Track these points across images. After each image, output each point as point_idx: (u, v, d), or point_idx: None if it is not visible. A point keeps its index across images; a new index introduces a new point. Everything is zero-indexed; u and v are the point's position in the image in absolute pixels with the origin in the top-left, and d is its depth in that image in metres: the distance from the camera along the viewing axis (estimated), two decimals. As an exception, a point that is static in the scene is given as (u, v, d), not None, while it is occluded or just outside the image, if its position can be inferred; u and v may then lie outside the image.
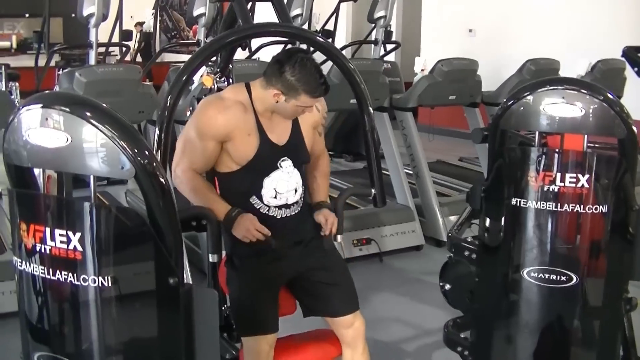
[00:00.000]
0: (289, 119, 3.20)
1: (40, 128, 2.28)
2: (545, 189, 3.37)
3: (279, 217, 3.17)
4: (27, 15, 15.46)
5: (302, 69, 3.03)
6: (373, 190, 3.57)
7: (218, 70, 3.62)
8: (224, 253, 3.25)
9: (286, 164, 3.17)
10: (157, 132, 3.12)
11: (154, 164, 2.29)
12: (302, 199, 3.27)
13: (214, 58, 3.61)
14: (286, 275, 3.24)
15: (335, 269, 3.36)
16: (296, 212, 3.23)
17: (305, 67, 3.04)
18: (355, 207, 6.71)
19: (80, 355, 2.37)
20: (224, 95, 3.21)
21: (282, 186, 3.15)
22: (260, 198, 3.14)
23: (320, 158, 3.48)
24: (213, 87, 3.60)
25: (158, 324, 2.39)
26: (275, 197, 3.15)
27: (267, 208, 3.15)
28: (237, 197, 3.13)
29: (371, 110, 3.54)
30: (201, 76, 3.64)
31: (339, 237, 3.33)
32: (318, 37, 3.51)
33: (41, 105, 2.30)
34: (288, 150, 3.20)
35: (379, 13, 9.24)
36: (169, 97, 3.09)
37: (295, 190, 3.20)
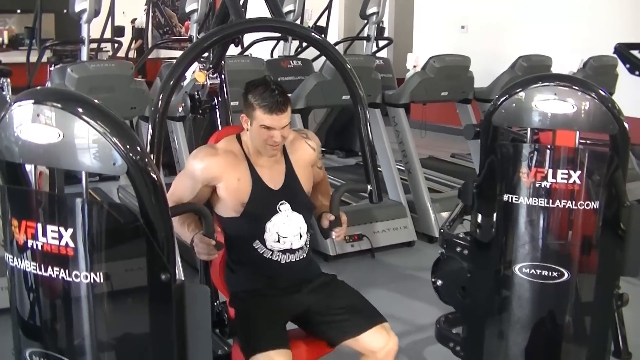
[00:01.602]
0: (269, 154, 3.19)
1: (31, 124, 2.27)
2: (537, 185, 3.38)
3: (282, 262, 3.17)
4: (18, 10, 15.36)
5: (261, 88, 3.06)
6: (369, 186, 3.54)
7: (211, 66, 3.61)
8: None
9: (284, 208, 3.18)
10: (149, 130, 3.11)
11: (146, 160, 2.29)
12: (307, 246, 3.26)
13: (206, 54, 3.60)
14: (294, 310, 3.17)
15: (346, 291, 3.31)
16: (301, 258, 3.22)
17: (264, 85, 3.07)
18: (347, 203, 6.71)
19: (72, 351, 2.37)
20: (217, 145, 3.26)
21: (284, 230, 3.15)
22: (263, 242, 3.14)
23: (320, 183, 3.51)
24: (206, 82, 3.59)
25: (150, 320, 2.38)
26: (279, 241, 3.14)
27: (271, 252, 3.15)
28: (240, 242, 3.15)
29: (366, 106, 3.53)
30: (193, 72, 3.62)
31: (333, 234, 3.26)
32: (312, 33, 3.50)
33: (33, 101, 2.30)
34: (284, 193, 3.21)
35: (371, 9, 9.25)
36: (162, 94, 3.09)
37: (300, 236, 3.20)
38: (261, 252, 3.14)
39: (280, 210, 3.16)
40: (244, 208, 3.12)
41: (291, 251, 3.17)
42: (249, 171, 3.18)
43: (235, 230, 3.01)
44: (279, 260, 3.15)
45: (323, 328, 3.16)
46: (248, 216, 3.12)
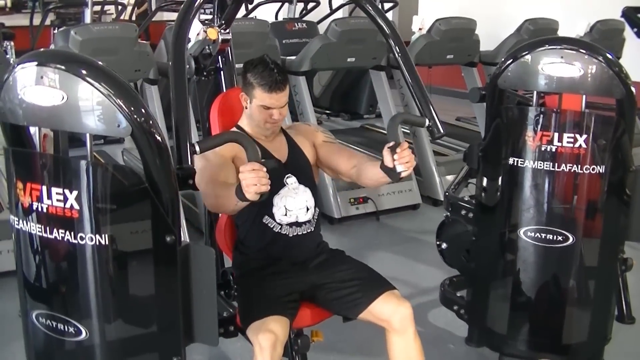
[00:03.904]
0: (267, 133, 3.19)
1: (35, 86, 2.27)
2: (543, 148, 3.37)
3: (290, 235, 3.16)
4: (22, -27, 15.29)
5: (260, 67, 3.06)
6: (427, 120, 3.27)
7: (222, 22, 3.57)
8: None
9: (291, 181, 3.17)
10: (172, 88, 2.94)
11: (151, 122, 2.29)
12: (315, 220, 3.24)
13: (210, 16, 3.57)
14: (300, 285, 3.14)
15: (353, 264, 3.26)
16: (308, 231, 3.20)
17: (263, 64, 3.06)
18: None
19: (78, 313, 2.38)
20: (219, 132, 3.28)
21: (291, 203, 3.14)
22: (272, 217, 3.13)
23: (342, 154, 3.32)
24: (217, 38, 3.55)
25: (155, 282, 2.40)
26: (286, 215, 3.14)
27: (280, 226, 3.14)
28: (251, 219, 3.13)
29: (405, 49, 3.42)
30: (197, 34, 3.58)
31: (398, 166, 2.85)
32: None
33: (36, 63, 2.29)
34: (290, 166, 3.20)
35: (377, -29, 9.18)
36: (176, 52, 2.94)
37: (307, 209, 3.19)
38: (271, 226, 3.13)
39: (287, 184, 3.16)
40: None
41: (297, 224, 3.16)
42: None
43: (245, 208, 2.97)
44: (287, 233, 3.15)
45: (335, 304, 3.14)
46: None
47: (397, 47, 3.39)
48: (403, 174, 2.87)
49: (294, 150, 3.26)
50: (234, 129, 3.25)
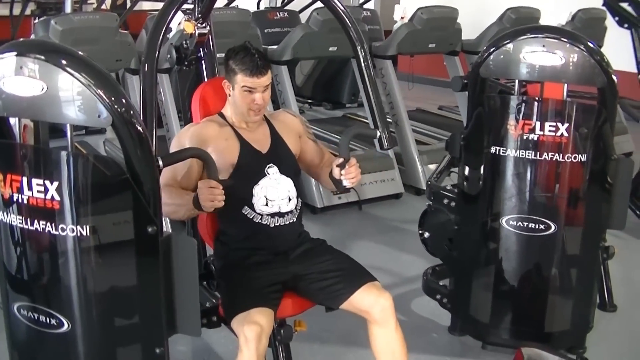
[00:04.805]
0: (251, 120, 3.19)
1: (15, 76, 2.25)
2: (525, 137, 3.38)
3: (272, 225, 3.14)
4: (0, -38, 15.14)
5: (242, 53, 3.08)
6: (378, 132, 3.47)
7: (199, 15, 3.56)
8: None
9: (273, 171, 3.16)
10: (141, 83, 3.07)
11: (132, 112, 2.27)
12: (298, 211, 3.23)
13: (192, 5, 3.55)
14: (281, 275, 3.12)
15: (334, 255, 3.25)
16: (291, 221, 3.19)
17: (244, 50, 3.09)
18: (335, 155, 6.67)
19: (59, 305, 2.37)
20: (200, 120, 3.30)
21: (272, 193, 3.13)
22: (252, 207, 3.12)
23: (323, 156, 3.44)
24: (194, 32, 3.54)
25: (137, 273, 2.39)
26: (267, 205, 3.12)
27: (260, 217, 3.12)
28: (230, 209, 3.06)
29: (367, 49, 3.49)
30: (179, 23, 3.56)
31: (344, 180, 3.10)
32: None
33: (16, 53, 2.27)
34: (272, 156, 3.20)
35: (358, -42, 9.16)
36: (150, 46, 3.04)
37: (289, 200, 3.17)
38: (251, 217, 3.12)
39: (268, 174, 3.14)
40: (233, 169, 3.10)
41: (280, 214, 3.15)
42: (235, 135, 3.18)
43: (225, 200, 2.96)
44: (268, 224, 3.13)
45: (316, 294, 3.14)
46: (237, 177, 3.09)
47: (362, 53, 3.51)
48: (348, 186, 3.12)
49: (277, 140, 3.25)
50: (217, 116, 3.24)
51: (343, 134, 3.22)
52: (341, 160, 3.09)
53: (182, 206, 2.93)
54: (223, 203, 2.82)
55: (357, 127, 4.99)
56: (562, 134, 3.34)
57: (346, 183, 3.10)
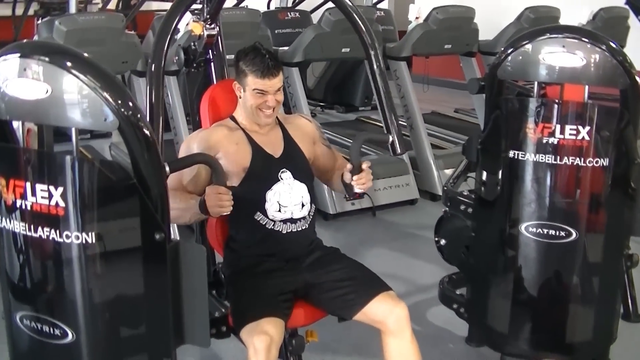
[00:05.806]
0: (263, 122, 3.14)
1: (18, 79, 2.22)
2: (544, 141, 3.30)
3: (284, 232, 3.09)
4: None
5: (252, 54, 3.05)
6: (390, 137, 3.45)
7: (208, 16, 3.51)
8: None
9: (286, 176, 3.11)
10: (148, 86, 3.06)
11: (139, 115, 2.23)
12: (311, 217, 3.18)
13: (200, 6, 3.51)
14: (293, 283, 3.07)
15: (348, 264, 3.19)
16: (303, 228, 3.13)
17: (254, 51, 3.06)
18: (347, 159, 6.62)
19: (64, 314, 2.32)
20: (209, 123, 3.27)
21: (285, 199, 3.08)
22: (264, 213, 3.06)
23: (336, 162, 3.43)
24: (202, 34, 3.50)
25: (144, 282, 2.35)
26: (280, 211, 3.07)
27: (273, 223, 3.07)
28: (242, 215, 3.04)
29: (379, 53, 3.46)
30: (187, 24, 3.52)
31: (355, 186, 3.11)
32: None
33: (19, 54, 2.24)
34: (285, 161, 3.15)
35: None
36: (158, 47, 3.03)
37: (302, 205, 3.12)
38: (263, 223, 3.07)
39: (281, 179, 3.09)
40: (245, 173, 3.05)
41: (292, 221, 3.09)
42: (246, 139, 3.13)
43: (236, 202, 2.92)
44: (280, 230, 3.08)
45: (329, 304, 3.08)
46: (250, 182, 3.04)
47: (374, 55, 3.47)
48: (359, 192, 3.14)
49: (290, 144, 3.20)
50: (228, 120, 3.19)
51: (354, 139, 3.20)
52: (351, 166, 3.09)
53: (188, 210, 2.92)
54: (231, 209, 2.82)
55: (368, 132, 4.97)
56: (583, 137, 3.26)
57: (357, 189, 3.11)
